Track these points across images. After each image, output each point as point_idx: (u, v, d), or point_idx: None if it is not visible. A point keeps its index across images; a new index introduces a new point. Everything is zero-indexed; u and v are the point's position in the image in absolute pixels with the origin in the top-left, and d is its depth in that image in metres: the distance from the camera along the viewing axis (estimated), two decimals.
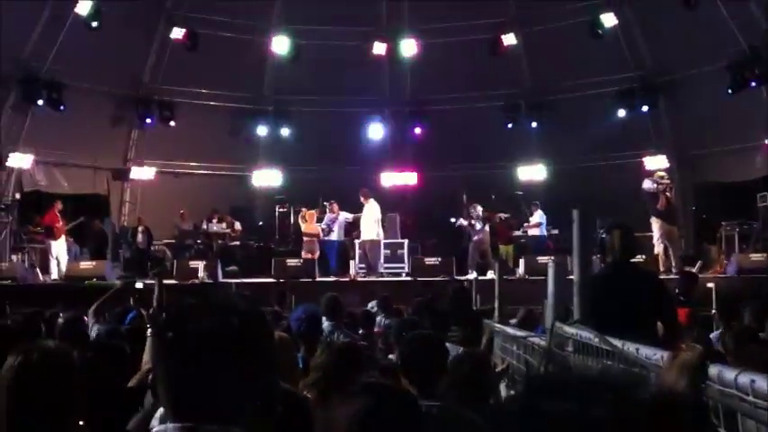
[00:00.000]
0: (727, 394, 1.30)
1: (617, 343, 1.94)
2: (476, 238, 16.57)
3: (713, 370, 1.35)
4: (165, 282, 15.08)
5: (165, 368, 1.50)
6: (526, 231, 18.54)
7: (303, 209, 18.07)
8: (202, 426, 1.42)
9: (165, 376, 1.49)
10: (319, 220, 17.91)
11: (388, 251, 17.71)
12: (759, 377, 1.22)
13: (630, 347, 1.85)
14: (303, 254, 17.04)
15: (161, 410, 1.78)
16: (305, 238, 17.32)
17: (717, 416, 1.40)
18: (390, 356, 6.05)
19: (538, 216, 18.44)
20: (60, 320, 6.10)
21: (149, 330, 4.43)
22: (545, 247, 17.61)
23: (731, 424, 1.36)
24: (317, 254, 16.99)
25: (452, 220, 17.26)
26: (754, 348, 4.63)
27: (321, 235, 17.32)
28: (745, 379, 1.25)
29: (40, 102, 18.17)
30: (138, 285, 13.00)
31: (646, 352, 1.74)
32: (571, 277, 2.87)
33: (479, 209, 16.74)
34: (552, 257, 13.84)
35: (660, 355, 1.59)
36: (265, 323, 1.62)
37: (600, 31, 18.68)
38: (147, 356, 4.23)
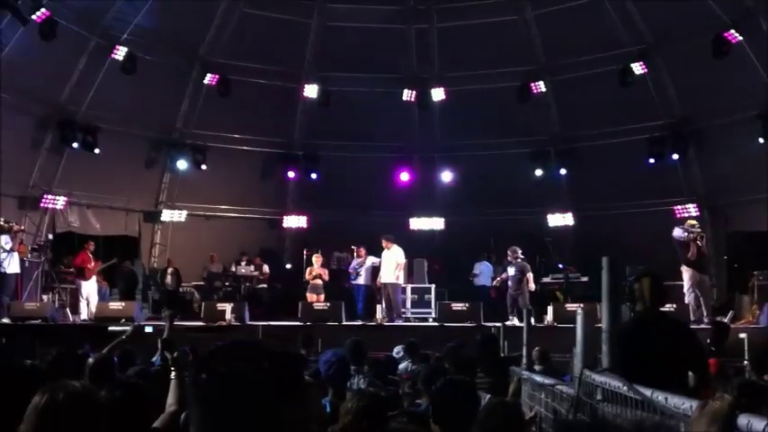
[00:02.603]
0: None
1: (646, 392, 1.93)
2: (510, 283, 16.38)
3: (743, 420, 1.35)
4: (192, 323, 15.20)
5: (198, 411, 1.50)
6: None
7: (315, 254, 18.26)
8: None
9: (198, 419, 1.50)
10: (338, 263, 18.23)
11: (416, 296, 17.68)
12: None
13: (660, 396, 1.84)
14: (308, 296, 17.13)
15: None
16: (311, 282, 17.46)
17: None
18: (418, 401, 6.01)
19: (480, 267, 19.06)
20: (90, 360, 6.13)
21: (173, 373, 4.45)
22: (488, 296, 17.91)
23: None
24: (322, 297, 17.05)
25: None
26: None
27: (326, 278, 17.52)
28: None
29: (76, 144, 18.53)
30: (148, 329, 13.07)
31: (675, 401, 1.73)
32: (600, 325, 2.86)
33: (519, 252, 16.52)
34: (581, 305, 13.75)
35: (689, 405, 1.58)
36: (298, 368, 1.63)
37: (629, 80, 18.73)
38: (171, 399, 4.25)
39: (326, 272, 17.82)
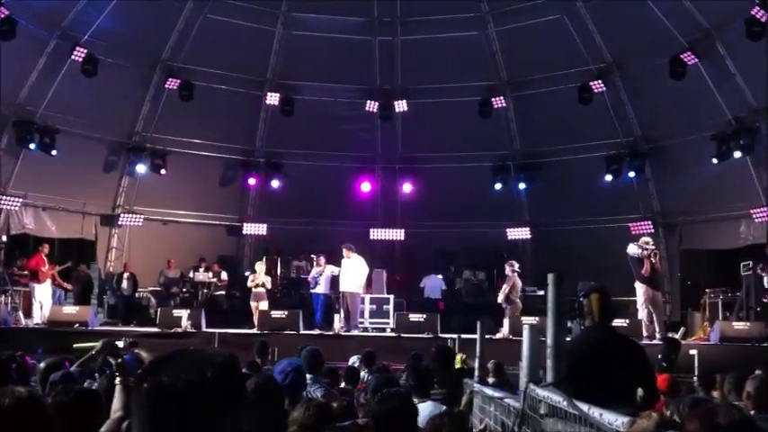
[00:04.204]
0: None
1: (584, 407, 1.99)
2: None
3: None
4: (147, 329, 15.00)
5: (140, 419, 1.51)
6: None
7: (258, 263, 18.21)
8: None
9: (140, 427, 1.51)
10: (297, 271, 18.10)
11: (374, 306, 17.66)
12: None
13: (595, 412, 1.89)
14: (251, 304, 17.05)
15: None
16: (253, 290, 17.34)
17: None
18: None
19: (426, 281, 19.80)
20: (41, 366, 6.06)
21: (118, 379, 4.43)
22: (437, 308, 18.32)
23: None
24: (264, 304, 16.95)
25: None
26: None
27: (269, 286, 17.44)
28: None
29: (33, 145, 18.23)
30: (119, 344, 12.87)
31: (608, 417, 1.78)
32: (545, 339, 2.92)
33: (516, 266, 16.76)
34: (536, 319, 13.90)
35: (621, 421, 1.63)
36: (240, 379, 1.64)
37: (588, 98, 19.02)
38: (116, 404, 4.22)
39: (270, 279, 17.71)
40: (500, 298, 16.51)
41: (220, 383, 1.52)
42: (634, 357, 5.05)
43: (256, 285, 17.14)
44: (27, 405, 2.61)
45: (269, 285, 17.44)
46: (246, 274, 21.08)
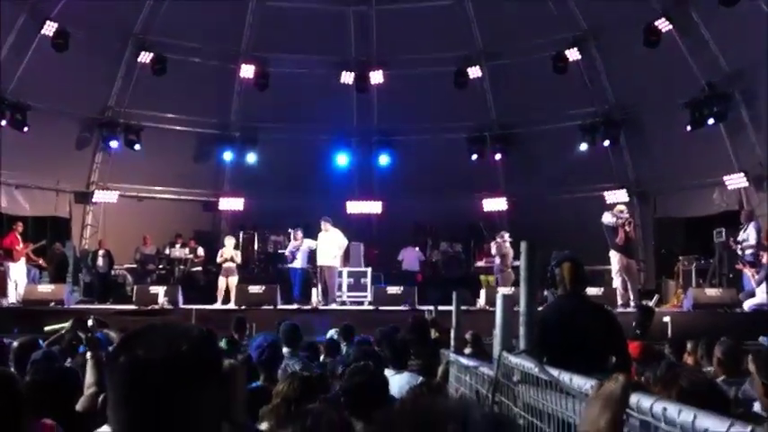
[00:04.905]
0: (644, 422, 1.39)
1: (554, 372, 2.03)
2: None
3: (633, 399, 1.44)
4: (124, 307, 14.93)
5: (116, 394, 1.51)
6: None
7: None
8: None
9: (115, 401, 1.51)
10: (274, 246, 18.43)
11: (352, 279, 17.72)
12: (671, 405, 1.32)
13: (565, 377, 1.93)
14: (219, 279, 17.12)
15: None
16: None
17: None
18: None
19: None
20: (14, 345, 6.04)
21: (89, 354, 4.43)
22: (415, 280, 18.57)
23: None
24: (233, 279, 16.98)
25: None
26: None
27: (238, 261, 17.43)
28: (658, 407, 1.34)
29: (4, 122, 17.96)
30: (90, 323, 12.82)
31: (578, 382, 1.82)
32: (518, 308, 2.96)
33: (506, 236, 17.02)
34: (512, 288, 14.02)
35: (590, 385, 1.67)
36: (216, 352, 1.65)
37: (563, 67, 19.03)
38: (89, 379, 4.22)
39: (239, 254, 17.71)
40: (507, 269, 17.00)
41: (197, 357, 1.52)
42: (606, 325, 5.14)
43: (225, 260, 17.12)
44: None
45: (238, 260, 17.42)
46: None
